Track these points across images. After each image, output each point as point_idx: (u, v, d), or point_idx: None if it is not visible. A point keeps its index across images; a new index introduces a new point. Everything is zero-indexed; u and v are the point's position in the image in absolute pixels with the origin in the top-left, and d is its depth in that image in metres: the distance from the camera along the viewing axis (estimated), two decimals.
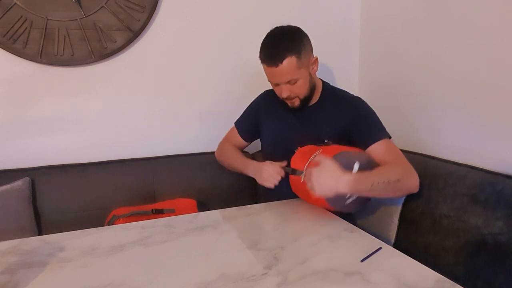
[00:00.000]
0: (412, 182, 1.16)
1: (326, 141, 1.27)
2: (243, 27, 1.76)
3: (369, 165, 1.15)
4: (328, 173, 1.05)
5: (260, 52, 1.23)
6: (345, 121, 1.27)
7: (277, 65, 1.18)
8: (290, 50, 1.18)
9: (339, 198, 1.08)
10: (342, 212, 1.18)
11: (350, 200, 1.11)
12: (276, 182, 1.20)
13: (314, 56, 1.28)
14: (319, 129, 1.31)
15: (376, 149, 1.21)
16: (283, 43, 1.19)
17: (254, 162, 1.33)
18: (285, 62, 1.17)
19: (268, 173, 1.21)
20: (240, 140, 1.52)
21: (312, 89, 1.30)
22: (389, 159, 1.19)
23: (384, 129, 1.27)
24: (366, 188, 1.06)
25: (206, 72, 1.74)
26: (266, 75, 1.26)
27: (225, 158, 1.49)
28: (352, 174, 1.06)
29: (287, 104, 1.30)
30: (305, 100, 1.29)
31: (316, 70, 1.30)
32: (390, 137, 1.26)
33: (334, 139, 1.26)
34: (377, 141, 1.22)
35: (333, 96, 1.35)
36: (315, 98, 1.34)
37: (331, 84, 1.40)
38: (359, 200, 1.15)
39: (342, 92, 1.37)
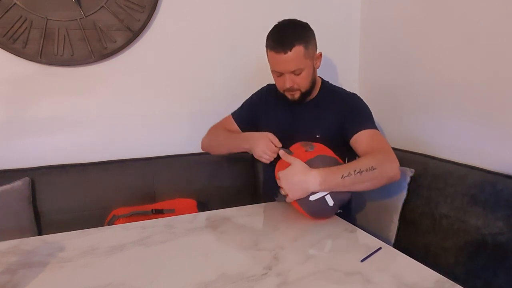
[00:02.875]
0: (390, 168, 1.09)
1: (317, 136, 1.27)
2: (243, 27, 1.76)
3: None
4: (296, 174, 1.05)
5: (267, 39, 1.24)
6: (338, 116, 1.28)
7: (285, 52, 1.18)
8: (299, 39, 1.19)
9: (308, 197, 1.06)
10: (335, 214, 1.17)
11: (315, 197, 1.06)
12: (271, 159, 1.20)
13: (318, 51, 1.29)
14: (312, 125, 1.31)
15: (361, 137, 1.19)
16: (292, 31, 1.21)
17: (251, 134, 1.29)
18: (294, 50, 1.18)
19: (263, 150, 1.20)
20: (235, 128, 1.50)
21: (313, 83, 1.31)
22: (372, 148, 1.15)
23: (373, 122, 1.25)
24: (336, 181, 1.04)
25: (206, 72, 1.74)
26: (271, 64, 1.26)
27: (216, 137, 1.47)
28: (319, 170, 1.04)
29: (286, 97, 1.30)
30: (306, 93, 1.29)
31: (319, 66, 1.31)
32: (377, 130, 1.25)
33: (326, 135, 1.27)
34: (362, 130, 1.20)
35: (330, 94, 1.36)
36: (313, 94, 1.35)
37: (330, 82, 1.42)
38: (337, 198, 1.09)
39: (339, 90, 1.39)
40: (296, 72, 1.22)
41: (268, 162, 1.22)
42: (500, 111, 1.28)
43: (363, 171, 1.04)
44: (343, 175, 1.04)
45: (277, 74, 1.26)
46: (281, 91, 1.30)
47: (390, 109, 1.77)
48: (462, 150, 1.42)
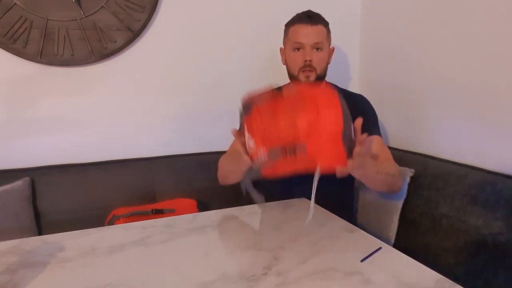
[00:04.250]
0: (399, 182, 1.22)
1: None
2: (243, 26, 1.76)
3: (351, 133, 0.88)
4: None
5: (291, 19, 1.32)
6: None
7: (312, 24, 1.26)
8: (324, 22, 1.31)
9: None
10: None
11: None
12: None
13: (332, 46, 1.35)
14: None
15: (373, 142, 1.23)
16: (320, 15, 1.32)
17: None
18: (319, 26, 1.28)
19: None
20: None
21: (325, 74, 1.33)
22: (380, 150, 1.21)
23: (379, 129, 1.31)
24: (371, 173, 1.06)
25: (206, 72, 1.74)
26: (293, 37, 1.29)
27: (221, 167, 1.31)
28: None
29: (299, 82, 1.30)
30: (319, 78, 1.30)
31: (330, 62, 1.35)
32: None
33: None
34: (373, 135, 1.23)
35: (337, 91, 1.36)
36: None
37: (332, 83, 1.42)
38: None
39: (344, 90, 1.39)
40: (317, 46, 1.26)
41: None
42: (500, 111, 1.28)
43: (388, 174, 1.12)
44: (378, 171, 1.08)
45: (297, 48, 1.28)
46: (296, 73, 1.30)
47: (390, 109, 1.77)
48: (462, 150, 1.42)
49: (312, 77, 1.28)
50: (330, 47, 1.34)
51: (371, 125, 1.27)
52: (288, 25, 1.33)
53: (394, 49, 1.73)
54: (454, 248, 1.19)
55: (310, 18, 1.27)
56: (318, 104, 0.84)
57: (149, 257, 0.91)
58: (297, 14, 1.32)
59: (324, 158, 0.83)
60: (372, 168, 1.05)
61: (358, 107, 1.26)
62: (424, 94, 1.58)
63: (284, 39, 1.36)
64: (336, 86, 1.40)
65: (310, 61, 1.26)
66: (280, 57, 1.42)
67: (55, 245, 0.98)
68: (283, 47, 1.38)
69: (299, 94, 0.88)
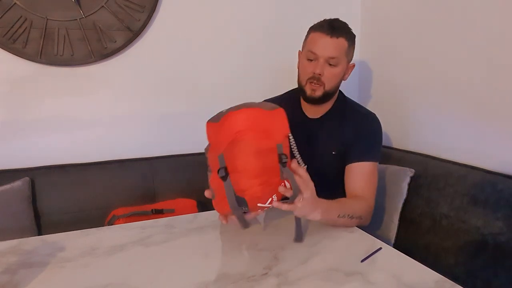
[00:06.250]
0: (368, 220, 1.15)
1: (333, 152, 1.16)
2: (243, 26, 1.76)
3: None
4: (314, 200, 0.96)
5: (315, 24, 1.22)
6: (350, 135, 1.22)
7: (332, 36, 1.16)
8: (348, 35, 1.19)
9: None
10: None
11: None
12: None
13: (352, 62, 1.25)
14: (329, 140, 1.25)
15: (358, 168, 1.17)
16: (345, 26, 1.21)
17: None
18: (340, 39, 1.17)
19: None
20: None
21: (335, 90, 1.25)
22: (361, 185, 1.16)
23: (379, 152, 1.23)
24: (332, 218, 1.02)
25: (206, 72, 1.74)
26: (309, 45, 1.20)
27: None
28: (325, 203, 0.98)
29: (304, 92, 1.23)
30: (326, 95, 1.22)
31: (346, 78, 1.26)
32: (378, 162, 1.22)
33: (342, 151, 1.22)
34: (363, 161, 1.17)
35: (344, 108, 1.28)
36: (327, 107, 1.28)
37: (344, 95, 1.34)
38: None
39: (356, 106, 1.31)
40: (331, 62, 1.18)
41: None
42: (500, 111, 1.28)
43: (353, 217, 1.06)
44: (339, 215, 1.03)
45: (311, 58, 1.20)
46: (304, 83, 1.22)
47: (390, 109, 1.77)
48: (462, 150, 1.42)
49: (319, 91, 1.20)
50: (351, 63, 1.24)
51: (365, 149, 1.19)
52: (310, 30, 1.23)
53: (394, 49, 1.73)
54: (454, 248, 1.19)
55: (332, 29, 1.16)
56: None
57: (149, 257, 0.91)
58: (322, 21, 1.22)
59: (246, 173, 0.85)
60: (333, 212, 1.01)
61: (363, 128, 1.21)
62: (425, 94, 1.58)
63: (303, 42, 1.26)
64: (344, 99, 1.31)
65: (320, 75, 1.18)
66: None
67: (55, 245, 0.98)
68: (301, 50, 1.28)
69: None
